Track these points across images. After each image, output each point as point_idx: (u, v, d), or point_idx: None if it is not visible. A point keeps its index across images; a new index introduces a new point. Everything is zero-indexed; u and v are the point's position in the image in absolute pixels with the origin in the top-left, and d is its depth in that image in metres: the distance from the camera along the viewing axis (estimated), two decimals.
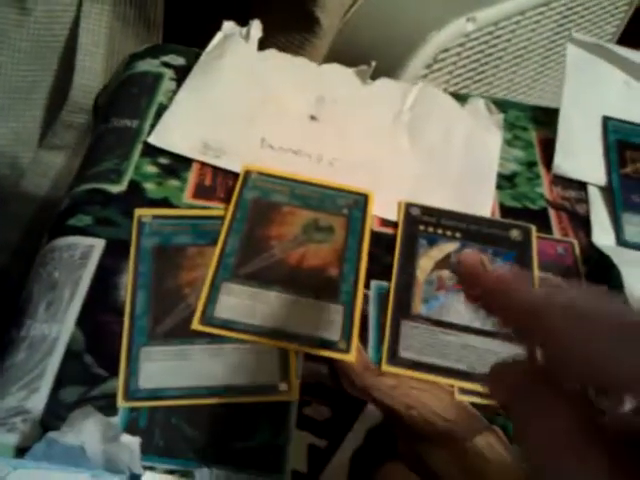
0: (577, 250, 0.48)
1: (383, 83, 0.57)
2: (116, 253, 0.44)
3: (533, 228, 0.48)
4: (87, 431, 0.34)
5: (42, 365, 0.39)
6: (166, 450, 0.37)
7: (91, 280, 0.42)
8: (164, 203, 0.47)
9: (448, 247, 0.47)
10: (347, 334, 0.41)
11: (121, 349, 0.40)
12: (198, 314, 0.41)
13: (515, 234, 0.48)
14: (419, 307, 0.43)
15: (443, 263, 0.46)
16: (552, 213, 0.50)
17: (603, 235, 0.49)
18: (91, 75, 0.73)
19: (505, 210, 0.50)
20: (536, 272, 0.46)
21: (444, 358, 0.41)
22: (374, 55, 0.59)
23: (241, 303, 0.42)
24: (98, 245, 0.44)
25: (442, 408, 0.39)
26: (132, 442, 0.35)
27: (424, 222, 0.47)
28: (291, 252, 0.45)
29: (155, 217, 0.45)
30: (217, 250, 0.44)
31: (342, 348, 0.41)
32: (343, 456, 0.37)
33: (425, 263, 0.45)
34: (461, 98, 0.57)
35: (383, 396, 0.40)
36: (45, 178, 0.79)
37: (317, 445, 0.38)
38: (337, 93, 0.55)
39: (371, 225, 0.47)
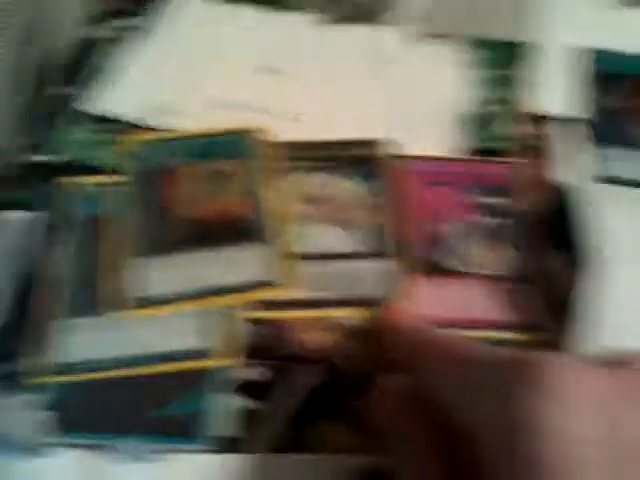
0: (529, 172, 0.45)
1: (349, 28, 0.54)
2: (47, 226, 0.42)
3: (378, 140, 0.46)
4: None
5: None
6: (85, 425, 0.35)
7: (19, 254, 0.41)
8: (100, 170, 0.45)
9: (308, 178, 0.44)
10: (280, 268, 0.40)
11: (45, 322, 0.38)
12: (126, 298, 0.38)
13: (370, 150, 0.45)
14: None
15: (299, 194, 0.43)
16: (526, 152, 0.47)
17: (577, 171, 0.45)
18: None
19: (474, 151, 0.47)
20: (394, 185, 0.43)
21: (315, 291, 0.39)
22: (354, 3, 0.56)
23: (168, 274, 0.39)
24: (28, 218, 0.42)
25: None
26: (34, 418, 0.33)
27: (281, 158, 0.45)
28: (200, 209, 0.42)
29: (89, 185, 0.44)
30: (127, 229, 0.41)
31: (280, 283, 0.39)
32: (279, 418, 0.35)
33: (286, 199, 0.43)
34: (429, 37, 0.54)
35: (326, 351, 0.37)
36: None
37: (252, 409, 0.36)
38: (298, 41, 0.52)
39: (270, 156, 0.44)
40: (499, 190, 0.44)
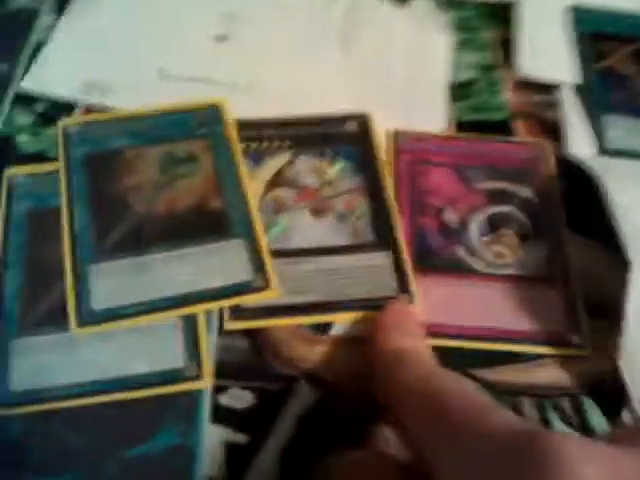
0: (548, 153, 0.40)
1: None
2: None
3: (370, 114, 0.41)
4: None
5: None
6: (47, 465, 0.29)
7: None
8: (40, 157, 0.38)
9: (278, 161, 0.39)
10: (259, 267, 0.34)
11: None
12: (72, 315, 0.32)
13: (352, 126, 0.40)
14: None
15: (276, 181, 0.38)
16: (518, 123, 0.42)
17: (580, 143, 0.41)
18: None
19: (462, 124, 0.42)
20: (380, 164, 0.38)
21: (298, 293, 0.34)
22: None
23: (121, 282, 0.33)
24: None
25: None
26: None
27: (243, 139, 0.39)
28: (157, 200, 0.36)
29: (28, 176, 0.37)
30: (65, 232, 0.35)
31: (259, 285, 0.33)
32: (270, 453, 0.29)
33: (254, 187, 0.37)
34: (401, 0, 0.48)
35: (318, 368, 0.32)
36: None
37: (237, 442, 0.30)
38: (251, 6, 0.46)
39: (235, 135, 0.39)
40: (509, 173, 0.39)
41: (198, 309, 0.32)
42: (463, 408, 0.23)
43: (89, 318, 0.32)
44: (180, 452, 0.29)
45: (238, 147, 0.38)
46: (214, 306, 0.33)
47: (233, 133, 0.39)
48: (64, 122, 0.39)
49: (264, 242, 0.35)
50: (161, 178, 0.37)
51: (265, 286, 0.33)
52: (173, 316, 0.32)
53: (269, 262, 0.34)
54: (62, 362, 0.31)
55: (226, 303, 0.33)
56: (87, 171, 0.37)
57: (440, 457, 0.23)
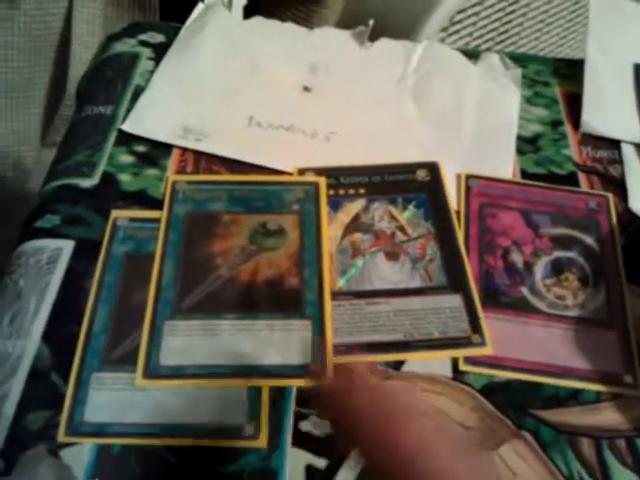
0: (612, 205, 0.42)
1: (384, 44, 0.51)
2: (87, 255, 0.39)
3: (439, 163, 0.43)
4: (40, 477, 0.29)
5: (5, 388, 0.34)
6: (143, 478, 0.32)
7: (59, 287, 0.38)
8: (141, 195, 0.42)
9: (354, 207, 0.42)
10: (319, 353, 0.35)
11: (70, 374, 0.34)
12: (140, 366, 0.34)
13: (422, 174, 0.43)
14: (337, 282, 0.38)
15: (353, 226, 0.41)
16: (582, 177, 0.44)
17: None
18: (87, 66, 0.68)
19: (528, 177, 0.44)
20: (452, 210, 0.41)
21: (376, 332, 0.36)
22: (385, 21, 0.53)
23: (190, 342, 0.35)
24: (67, 247, 0.39)
25: (460, 413, 0.34)
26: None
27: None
28: (240, 268, 0.38)
29: (132, 220, 0.40)
30: (152, 285, 0.37)
31: (315, 371, 0.34)
32: (347, 477, 0.32)
33: (333, 231, 0.40)
34: (473, 54, 0.51)
35: None
36: None
37: (316, 466, 0.32)
38: (332, 59, 0.50)
39: (327, 217, 0.41)
40: (574, 221, 0.41)
41: (250, 383, 0.34)
42: None
43: (154, 372, 0.34)
44: (264, 473, 0.32)
45: (327, 228, 0.40)
46: (264, 384, 0.34)
47: (325, 213, 0.40)
48: (174, 177, 0.42)
49: (330, 328, 0.36)
50: (249, 247, 0.39)
51: (321, 373, 0.34)
52: (228, 385, 0.34)
53: (330, 349, 0.35)
54: (134, 402, 0.33)
55: (277, 383, 0.34)
56: (184, 229, 0.39)
57: None
